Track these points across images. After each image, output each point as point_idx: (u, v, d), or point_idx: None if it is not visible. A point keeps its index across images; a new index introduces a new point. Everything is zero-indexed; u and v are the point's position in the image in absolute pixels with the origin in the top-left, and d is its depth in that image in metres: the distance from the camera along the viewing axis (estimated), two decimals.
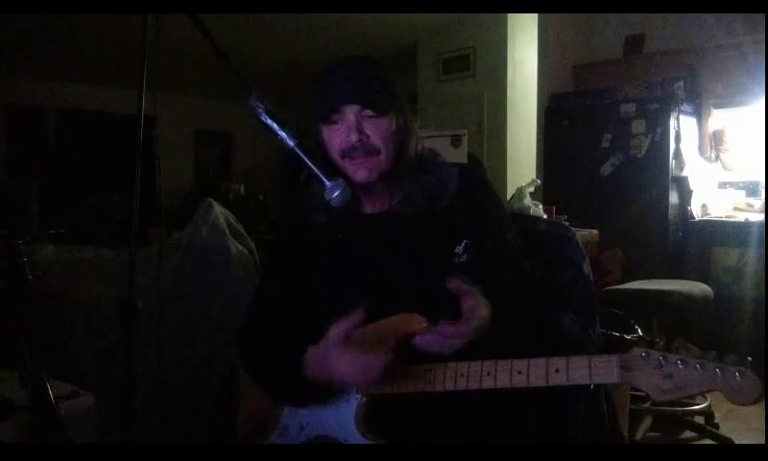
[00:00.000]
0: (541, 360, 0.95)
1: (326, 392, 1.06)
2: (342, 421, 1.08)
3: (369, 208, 1.18)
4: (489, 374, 0.98)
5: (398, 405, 1.06)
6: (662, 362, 0.87)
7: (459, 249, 1.12)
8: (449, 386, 1.01)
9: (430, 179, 1.14)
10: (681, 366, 0.86)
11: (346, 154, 1.09)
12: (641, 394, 2.77)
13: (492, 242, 1.16)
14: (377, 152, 1.09)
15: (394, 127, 1.11)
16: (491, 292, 1.05)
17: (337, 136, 1.09)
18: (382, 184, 1.14)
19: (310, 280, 1.18)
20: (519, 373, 0.96)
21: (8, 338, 1.18)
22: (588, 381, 0.91)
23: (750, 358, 0.84)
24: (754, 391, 0.82)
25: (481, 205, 1.17)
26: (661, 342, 0.90)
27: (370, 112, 1.08)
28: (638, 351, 0.89)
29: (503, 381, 0.97)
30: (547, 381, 0.94)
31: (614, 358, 0.90)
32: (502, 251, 1.17)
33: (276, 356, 1.11)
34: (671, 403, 2.90)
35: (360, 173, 1.10)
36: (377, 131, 1.08)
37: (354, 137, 1.07)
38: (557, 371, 0.93)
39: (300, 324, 1.16)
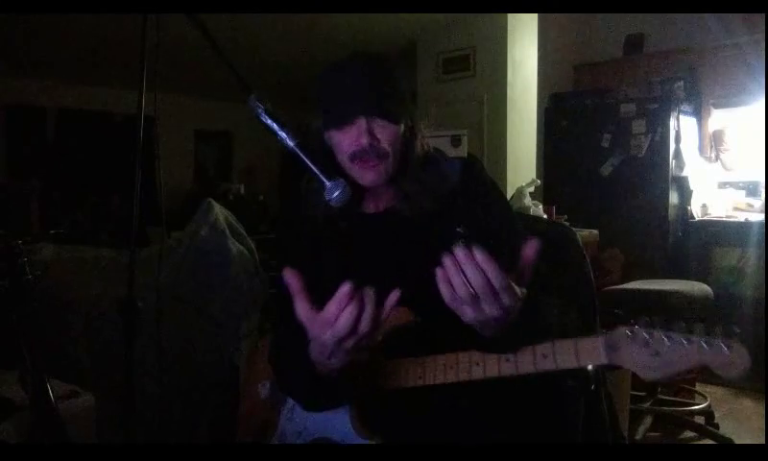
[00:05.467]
0: (528, 347, 0.94)
1: (344, 379, 1.00)
2: (337, 423, 1.08)
3: (372, 207, 1.18)
4: (477, 364, 0.98)
5: (394, 402, 1.06)
6: (648, 340, 0.85)
7: (460, 229, 1.10)
8: (439, 379, 1.00)
9: (433, 177, 1.14)
10: (667, 342, 0.83)
11: (356, 156, 1.08)
12: (641, 394, 2.79)
13: (498, 226, 1.14)
14: (387, 155, 1.09)
15: (402, 131, 1.11)
16: None
17: (347, 139, 1.09)
18: (386, 185, 1.14)
19: (312, 280, 1.17)
20: (507, 360, 0.95)
21: (8, 338, 1.18)
22: (575, 365, 0.90)
23: (737, 329, 0.81)
24: (742, 363, 0.80)
25: (483, 194, 1.17)
26: (645, 318, 0.87)
27: (381, 120, 1.07)
28: (623, 330, 0.87)
29: (492, 370, 0.96)
30: (536, 367, 0.93)
31: (600, 340, 0.89)
32: (508, 235, 1.15)
33: (291, 365, 1.07)
34: (673, 403, 2.90)
35: (368, 176, 1.09)
36: (388, 135, 1.08)
37: (365, 141, 1.06)
38: (544, 356, 0.92)
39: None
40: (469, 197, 1.14)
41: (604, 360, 0.88)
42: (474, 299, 0.84)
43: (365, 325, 0.85)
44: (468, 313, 0.86)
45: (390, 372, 1.04)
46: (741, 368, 0.79)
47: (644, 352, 0.85)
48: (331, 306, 0.85)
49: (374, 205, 1.18)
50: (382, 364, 1.06)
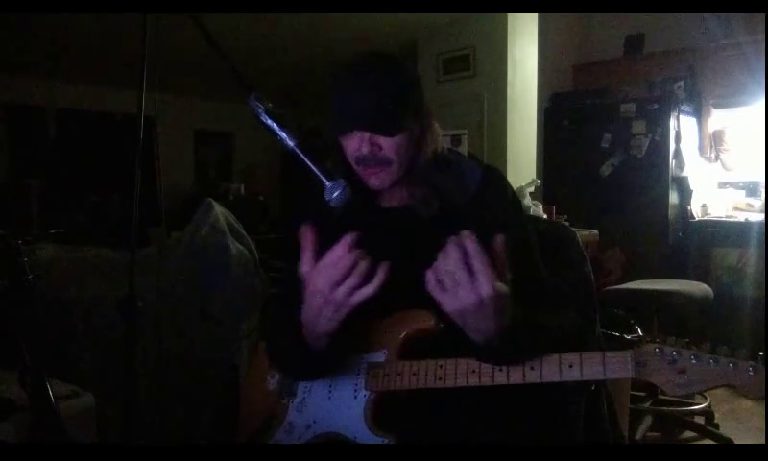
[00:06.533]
0: (554, 356, 0.94)
1: (330, 350, 1.04)
2: (350, 418, 1.08)
3: (386, 202, 1.19)
4: (501, 369, 0.97)
5: (407, 402, 1.06)
6: (676, 358, 0.88)
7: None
8: (460, 382, 1.00)
9: (447, 179, 1.14)
10: (694, 361, 0.87)
11: (359, 162, 1.10)
12: (641, 394, 2.78)
13: (513, 242, 1.14)
14: (389, 163, 1.09)
15: (408, 140, 1.11)
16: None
17: (351, 144, 1.10)
18: (398, 185, 1.14)
19: None
20: (532, 368, 0.95)
21: (8, 338, 1.18)
22: (602, 377, 0.91)
23: (762, 353, 0.84)
24: (765, 385, 0.83)
25: (502, 205, 1.17)
26: (672, 338, 0.90)
27: (383, 134, 1.08)
28: (651, 347, 0.89)
29: (516, 377, 0.96)
30: (561, 377, 0.93)
31: (629, 354, 0.90)
32: (523, 253, 1.15)
33: (281, 331, 1.13)
34: (673, 402, 2.90)
35: (373, 181, 1.11)
36: (390, 144, 1.09)
37: (366, 150, 1.08)
38: (570, 366, 0.93)
39: None
40: (488, 207, 1.14)
41: (631, 374, 0.89)
42: (452, 282, 0.89)
43: (357, 274, 0.94)
44: (446, 301, 0.91)
45: (410, 372, 1.04)
46: (764, 391, 0.83)
47: (671, 369, 0.88)
48: (333, 250, 0.94)
49: (389, 200, 1.18)
50: (403, 363, 1.06)
